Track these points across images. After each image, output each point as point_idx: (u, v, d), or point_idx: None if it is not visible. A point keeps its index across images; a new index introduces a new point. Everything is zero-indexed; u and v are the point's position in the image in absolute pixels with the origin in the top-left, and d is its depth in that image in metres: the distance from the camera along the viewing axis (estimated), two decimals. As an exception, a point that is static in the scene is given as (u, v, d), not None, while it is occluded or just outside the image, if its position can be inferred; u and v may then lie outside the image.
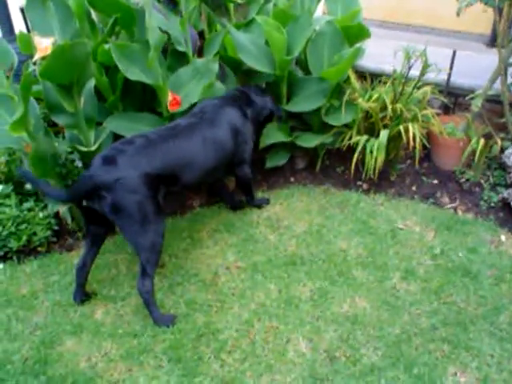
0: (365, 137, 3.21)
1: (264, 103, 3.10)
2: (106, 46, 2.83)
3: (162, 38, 2.80)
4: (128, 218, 2.28)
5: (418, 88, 3.30)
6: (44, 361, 2.24)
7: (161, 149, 2.43)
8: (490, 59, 3.46)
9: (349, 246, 2.89)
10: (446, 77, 3.59)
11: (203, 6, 3.38)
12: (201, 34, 3.42)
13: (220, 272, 2.73)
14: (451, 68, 3.58)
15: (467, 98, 3.44)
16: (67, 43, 2.39)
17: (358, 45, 3.38)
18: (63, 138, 3.13)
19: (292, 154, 3.60)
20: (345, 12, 3.59)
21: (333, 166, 3.68)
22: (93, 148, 2.87)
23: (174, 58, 3.19)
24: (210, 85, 3.00)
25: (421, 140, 3.15)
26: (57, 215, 2.98)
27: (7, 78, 2.62)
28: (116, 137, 2.96)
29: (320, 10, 4.24)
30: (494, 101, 3.51)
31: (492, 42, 4.56)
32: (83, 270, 2.50)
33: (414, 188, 3.43)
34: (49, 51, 2.45)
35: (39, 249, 2.90)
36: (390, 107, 3.15)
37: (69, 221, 3.01)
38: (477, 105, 3.34)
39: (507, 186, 3.25)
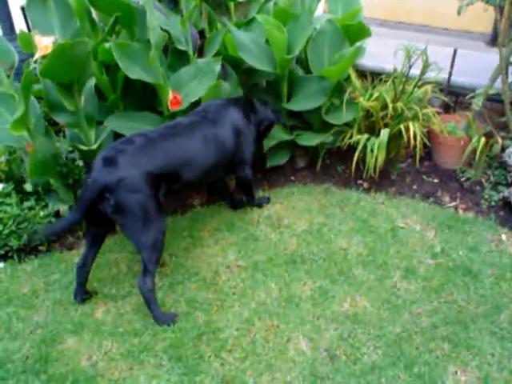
0: (365, 136, 3.21)
1: (266, 114, 3.13)
2: (107, 45, 2.83)
3: (162, 37, 2.80)
4: (130, 217, 2.28)
5: (419, 87, 3.30)
6: (45, 359, 2.25)
7: (161, 147, 2.44)
8: (491, 58, 3.46)
9: (349, 244, 2.89)
10: (446, 76, 3.59)
11: (204, 4, 3.37)
12: (201, 33, 3.42)
13: (221, 271, 2.73)
14: (452, 67, 3.58)
15: (468, 96, 3.43)
16: (68, 42, 2.40)
17: (358, 44, 3.38)
18: (64, 136, 3.14)
19: (292, 153, 3.61)
20: (345, 11, 3.59)
21: (333, 164, 3.68)
22: (93, 147, 2.88)
23: (174, 56, 3.19)
24: (216, 85, 3.01)
25: (421, 139, 3.15)
26: (57, 214, 2.98)
27: (8, 76, 2.63)
28: (116, 135, 2.97)
29: (320, 9, 4.23)
30: (494, 100, 3.51)
31: (493, 40, 4.55)
32: (83, 270, 2.50)
33: (414, 187, 3.43)
34: (49, 50, 2.45)
35: (40, 248, 2.90)
36: (390, 106, 3.15)
37: (69, 220, 3.01)
38: (477, 104, 3.34)
39: (508, 185, 3.25)
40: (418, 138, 3.11)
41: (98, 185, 2.23)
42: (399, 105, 3.15)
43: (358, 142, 3.22)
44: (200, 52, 3.28)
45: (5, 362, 2.24)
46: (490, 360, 2.20)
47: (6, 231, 2.74)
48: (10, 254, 2.83)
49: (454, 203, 3.26)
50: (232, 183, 3.34)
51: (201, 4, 3.32)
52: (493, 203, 3.20)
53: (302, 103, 3.34)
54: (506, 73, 3.22)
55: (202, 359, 2.22)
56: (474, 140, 3.25)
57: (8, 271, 2.77)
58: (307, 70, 3.43)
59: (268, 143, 3.40)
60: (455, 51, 3.55)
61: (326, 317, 2.42)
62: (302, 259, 2.78)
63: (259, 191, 3.41)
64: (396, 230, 3.00)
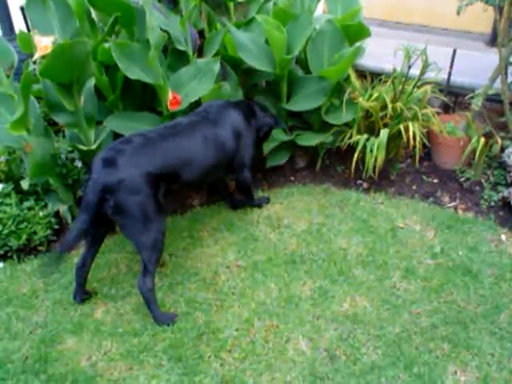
0: (365, 136, 3.21)
1: (265, 119, 3.12)
2: (106, 45, 2.83)
3: (162, 37, 2.80)
4: (130, 217, 2.28)
5: (418, 87, 3.30)
6: (44, 359, 2.25)
7: (160, 147, 2.44)
8: (491, 58, 3.46)
9: (349, 244, 2.89)
10: (446, 76, 3.59)
11: (203, 5, 3.37)
12: (201, 33, 3.42)
13: (220, 271, 2.73)
14: (451, 67, 3.58)
15: (467, 97, 3.44)
16: (67, 42, 2.40)
17: (358, 44, 3.38)
18: (63, 136, 3.14)
19: (292, 154, 3.60)
20: (345, 11, 3.59)
21: (333, 165, 3.68)
22: (93, 147, 2.88)
23: (174, 57, 3.19)
24: (217, 87, 3.01)
25: (421, 139, 3.15)
26: (57, 214, 2.99)
27: (7, 76, 2.62)
28: (116, 136, 2.97)
29: (320, 9, 4.23)
30: (494, 100, 3.51)
31: (492, 40, 4.56)
32: (83, 270, 2.50)
33: (414, 187, 3.43)
34: (49, 50, 2.45)
35: (39, 248, 2.90)
36: (390, 106, 3.15)
37: (69, 220, 3.01)
38: (477, 104, 3.34)
39: (507, 185, 3.25)
40: (418, 138, 3.11)
41: (99, 186, 2.22)
42: (399, 105, 3.15)
43: (357, 142, 3.22)
44: (200, 52, 3.28)
45: (4, 362, 2.24)
46: (489, 360, 2.20)
47: (6, 231, 2.74)
48: (9, 254, 2.83)
49: (453, 203, 3.26)
50: (232, 183, 3.34)
51: (200, 4, 3.32)
52: (492, 203, 3.20)
53: (301, 103, 3.34)
54: (506, 73, 3.22)
55: (202, 359, 2.22)
56: (474, 140, 3.25)
57: (7, 271, 2.77)
58: (307, 70, 3.43)
59: (268, 146, 3.41)
60: (455, 51, 3.55)
61: (325, 317, 2.42)
62: (301, 259, 2.78)
63: (259, 191, 3.41)
64: (396, 230, 3.00)
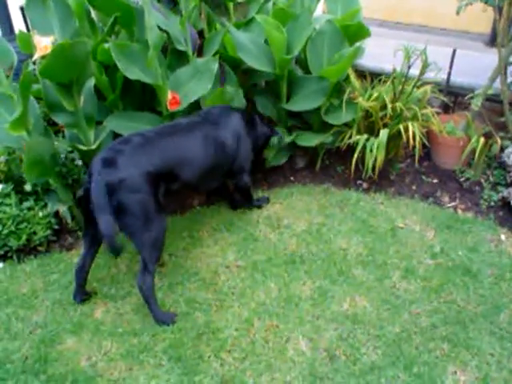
0: (365, 136, 3.21)
1: (263, 129, 3.16)
2: (106, 45, 2.83)
3: (161, 37, 2.80)
4: (131, 216, 2.29)
5: (418, 87, 3.30)
6: (44, 360, 2.25)
7: (159, 146, 2.45)
8: (490, 58, 3.46)
9: (349, 244, 2.89)
10: (445, 76, 3.59)
11: (203, 5, 3.38)
12: (200, 33, 3.42)
13: (220, 271, 2.73)
14: (451, 67, 3.58)
15: (467, 97, 3.44)
16: (67, 42, 2.40)
17: (357, 44, 3.38)
18: (63, 136, 3.14)
19: (292, 154, 3.61)
20: (345, 11, 3.59)
21: (333, 165, 3.69)
22: (93, 147, 2.88)
23: (173, 57, 3.19)
24: (221, 92, 3.02)
25: (421, 139, 3.15)
26: (57, 214, 2.98)
27: (7, 77, 2.62)
28: (116, 136, 2.97)
29: (320, 9, 4.24)
30: (493, 100, 3.51)
31: (492, 41, 4.56)
32: (82, 271, 2.50)
33: (413, 187, 3.43)
34: (48, 50, 2.45)
35: (39, 248, 2.90)
36: (389, 106, 3.15)
37: (69, 220, 3.01)
38: (477, 104, 3.34)
39: (507, 185, 3.25)
40: (418, 138, 3.11)
41: (102, 185, 2.23)
42: (398, 105, 3.16)
43: (357, 142, 3.22)
44: (199, 52, 3.29)
45: (4, 363, 2.24)
46: (489, 360, 2.20)
47: (6, 231, 2.74)
48: (9, 255, 2.83)
49: (453, 203, 3.26)
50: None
51: (200, 4, 3.32)
52: (492, 203, 3.20)
53: (301, 103, 3.34)
54: (505, 73, 3.22)
55: (202, 359, 2.22)
56: (473, 140, 3.25)
57: (7, 271, 2.77)
58: (306, 70, 3.43)
59: (269, 153, 3.42)
60: (454, 51, 3.55)
61: (325, 317, 2.42)
62: (301, 259, 2.78)
63: (259, 191, 3.41)
64: (395, 230, 3.00)
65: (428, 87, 3.31)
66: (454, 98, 3.86)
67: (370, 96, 3.25)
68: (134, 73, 2.81)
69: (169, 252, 2.85)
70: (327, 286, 2.60)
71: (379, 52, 3.84)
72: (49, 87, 2.71)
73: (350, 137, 3.29)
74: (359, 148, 3.20)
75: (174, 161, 2.49)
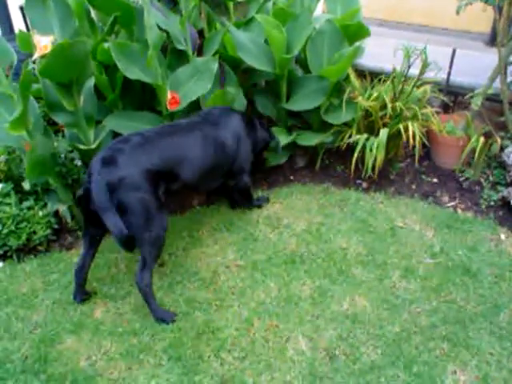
0: (364, 135, 3.21)
1: (263, 133, 3.16)
2: (106, 45, 2.83)
3: (160, 37, 2.79)
4: (132, 214, 2.29)
5: (418, 87, 3.30)
6: (44, 359, 2.25)
7: (158, 145, 2.45)
8: (490, 58, 3.46)
9: (348, 244, 2.89)
10: (445, 75, 3.59)
11: (203, 4, 3.37)
12: (200, 33, 3.42)
13: (220, 270, 2.73)
14: (451, 67, 3.58)
15: (467, 96, 3.44)
16: (67, 42, 2.40)
17: (357, 43, 3.38)
18: (63, 136, 3.13)
19: (292, 153, 3.61)
20: (344, 11, 3.60)
21: (332, 164, 3.69)
22: (92, 146, 2.88)
23: (173, 56, 3.19)
24: (223, 93, 3.02)
25: (420, 138, 3.15)
26: (56, 214, 2.98)
27: (6, 76, 2.62)
28: (115, 135, 2.97)
29: (320, 9, 4.23)
30: (493, 99, 3.51)
31: (492, 40, 4.56)
32: (82, 271, 2.50)
33: (413, 186, 3.43)
34: (48, 50, 2.45)
35: (39, 247, 2.90)
36: (389, 106, 3.15)
37: (68, 219, 3.01)
38: (476, 103, 3.34)
39: (507, 185, 3.25)
40: (417, 138, 3.11)
41: (102, 184, 2.23)
42: (398, 104, 3.16)
43: (357, 142, 3.22)
44: (199, 52, 3.29)
45: (4, 362, 2.24)
46: (489, 359, 2.20)
47: (5, 231, 2.74)
48: (9, 254, 2.83)
49: (452, 203, 3.26)
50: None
51: (200, 4, 3.32)
52: (492, 203, 3.20)
53: (301, 103, 3.34)
54: (505, 73, 3.22)
55: (202, 359, 2.22)
56: (473, 140, 3.25)
57: (7, 271, 2.77)
58: (306, 70, 3.43)
59: (268, 153, 3.42)
60: (454, 51, 3.55)
61: (325, 316, 2.42)
62: (301, 259, 2.79)
63: (258, 191, 3.41)
64: (395, 230, 3.00)
65: (428, 87, 3.32)
66: (453, 97, 3.86)
67: (370, 95, 3.26)
68: (133, 72, 2.81)
69: (169, 252, 2.85)
70: (327, 285, 2.60)
71: (379, 51, 3.84)
72: (49, 87, 2.71)
73: (350, 136, 3.29)
74: (359, 147, 3.20)
75: (173, 160, 2.49)
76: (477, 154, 3.23)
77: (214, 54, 3.13)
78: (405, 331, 2.34)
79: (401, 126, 3.13)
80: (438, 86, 3.48)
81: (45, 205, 2.95)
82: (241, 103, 3.29)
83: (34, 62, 2.72)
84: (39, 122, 2.82)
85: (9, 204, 2.81)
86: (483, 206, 3.19)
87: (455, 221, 3.06)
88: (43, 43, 2.50)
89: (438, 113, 3.51)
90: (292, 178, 3.58)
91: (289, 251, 2.85)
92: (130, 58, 2.82)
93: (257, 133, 3.09)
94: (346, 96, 3.28)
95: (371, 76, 3.55)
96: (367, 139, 3.19)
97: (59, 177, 2.89)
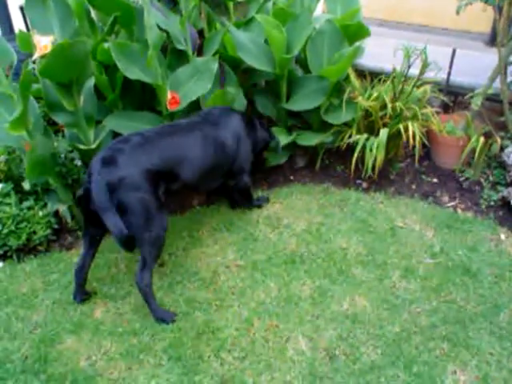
0: (364, 135, 3.21)
1: (263, 134, 3.16)
2: (106, 45, 2.83)
3: (160, 37, 2.79)
4: (132, 214, 2.29)
5: (418, 87, 3.30)
6: (44, 359, 2.25)
7: (158, 145, 2.45)
8: (490, 58, 3.46)
9: (348, 244, 2.89)
10: (445, 75, 3.59)
11: (203, 4, 3.38)
12: (200, 33, 3.42)
13: (220, 271, 2.73)
14: (451, 67, 3.58)
15: (467, 96, 3.44)
16: (67, 42, 2.40)
17: (357, 43, 3.38)
18: (63, 136, 3.14)
19: (292, 153, 3.61)
20: (344, 11, 3.60)
21: (332, 164, 3.69)
22: (93, 146, 2.88)
23: (173, 56, 3.19)
24: (223, 93, 3.02)
25: (420, 138, 3.15)
26: (56, 214, 2.98)
27: (6, 76, 2.62)
28: (115, 135, 2.97)
29: (320, 9, 4.23)
30: (493, 99, 3.51)
31: (492, 40, 4.56)
32: (82, 271, 2.50)
33: (413, 186, 3.43)
34: (48, 50, 2.45)
35: (39, 247, 2.90)
36: (389, 106, 3.15)
37: (68, 219, 3.01)
38: (476, 103, 3.34)
39: (507, 185, 3.25)
40: (417, 138, 3.11)
41: (102, 184, 2.23)
42: (398, 104, 3.16)
43: (357, 142, 3.22)
44: (199, 52, 3.29)
45: (4, 362, 2.24)
46: (489, 359, 2.20)
47: (5, 231, 2.74)
48: (9, 254, 2.83)
49: (452, 203, 3.26)
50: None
51: (200, 4, 3.32)
52: (492, 203, 3.20)
53: (301, 103, 3.34)
54: (505, 73, 3.22)
55: (202, 359, 2.22)
56: (473, 140, 3.25)
57: (7, 271, 2.76)
58: (306, 70, 3.43)
59: (268, 153, 3.43)
60: (454, 51, 3.55)
61: (325, 316, 2.42)
62: (301, 259, 2.78)
63: (258, 191, 3.41)
64: (395, 230, 3.00)
65: (428, 87, 3.32)
66: (453, 97, 3.86)
67: (370, 95, 3.26)
68: (133, 72, 2.81)
69: (169, 252, 2.85)
70: (327, 285, 2.60)
71: (379, 51, 3.84)
72: (49, 87, 2.71)
73: (350, 136, 3.29)
74: (359, 147, 3.20)
75: (173, 160, 2.49)
76: (477, 154, 3.23)
77: (214, 54, 3.13)
78: (405, 331, 2.34)
79: (401, 126, 3.14)
80: (438, 85, 3.48)
81: (45, 205, 2.95)
82: (241, 103, 3.29)
83: (33, 62, 2.72)
84: (39, 121, 2.82)
85: (9, 204, 2.81)
86: (483, 206, 3.19)
87: (455, 221, 3.06)
88: (43, 43, 2.50)
89: (437, 113, 3.51)
90: (292, 177, 3.59)
91: (289, 251, 2.85)
92: (130, 57, 2.82)
93: (257, 133, 3.10)
94: (346, 96, 3.28)
95: (371, 76, 3.55)
96: (367, 139, 3.19)
97: (59, 177, 2.89)
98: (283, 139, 3.33)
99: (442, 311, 2.44)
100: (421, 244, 2.88)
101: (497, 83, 3.27)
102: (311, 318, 2.42)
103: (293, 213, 3.18)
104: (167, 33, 2.97)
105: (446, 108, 3.90)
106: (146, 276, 2.35)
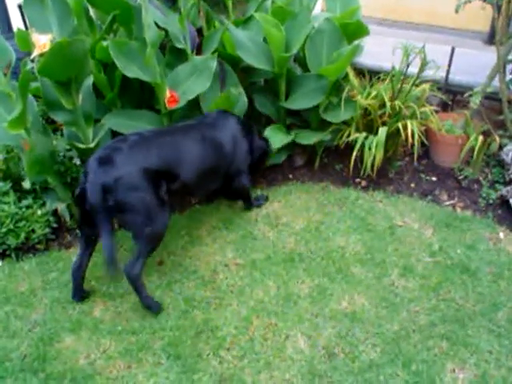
0: (363, 134, 3.21)
1: (259, 141, 3.16)
2: (104, 43, 2.83)
3: (159, 35, 2.79)
4: (131, 213, 2.30)
5: (417, 85, 3.30)
6: (43, 358, 2.25)
7: (156, 144, 2.46)
8: (489, 56, 3.46)
9: (347, 242, 2.89)
10: (444, 74, 3.59)
11: (202, 3, 3.38)
12: (199, 31, 3.42)
13: (219, 269, 2.73)
14: (450, 65, 3.58)
15: (466, 95, 3.43)
16: (65, 40, 2.39)
17: (356, 42, 3.37)
18: (61, 135, 3.13)
19: (291, 152, 3.60)
20: (343, 9, 3.59)
21: (331, 163, 3.68)
22: (91, 145, 2.87)
23: (172, 55, 3.19)
24: (227, 96, 3.02)
25: (419, 137, 3.15)
26: (55, 212, 2.98)
27: (5, 75, 2.62)
28: (114, 134, 2.97)
29: (319, 7, 4.23)
30: (492, 98, 3.51)
31: (490, 39, 4.55)
32: (79, 270, 2.50)
33: (412, 185, 3.43)
34: (47, 48, 2.44)
35: (38, 246, 2.90)
36: (388, 104, 3.15)
37: (67, 218, 3.01)
38: (475, 102, 3.34)
39: (506, 183, 3.25)
40: (416, 137, 3.11)
41: (97, 186, 2.22)
42: (397, 103, 3.15)
43: (356, 141, 3.22)
44: (198, 50, 3.28)
45: (3, 361, 2.24)
46: (487, 357, 2.20)
47: (4, 230, 2.74)
48: (7, 253, 2.83)
49: (451, 201, 3.26)
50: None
51: (199, 2, 3.32)
52: (490, 201, 3.20)
53: (300, 101, 3.34)
54: (504, 71, 3.23)
55: (201, 357, 2.22)
56: (472, 138, 3.25)
57: (6, 270, 2.76)
58: (305, 69, 3.42)
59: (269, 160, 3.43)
60: (453, 50, 3.55)
61: (324, 315, 2.43)
62: (300, 257, 2.79)
63: (257, 190, 3.41)
64: (394, 229, 3.00)
65: (427, 85, 3.31)
66: (452, 96, 3.86)
67: (369, 94, 3.25)
68: (132, 71, 2.81)
69: (167, 250, 2.85)
70: (326, 284, 2.61)
71: (378, 50, 3.84)
72: (47, 85, 2.70)
73: (349, 135, 3.29)
74: (358, 146, 3.20)
75: (171, 160, 2.49)
76: (476, 153, 3.23)
77: (212, 53, 3.13)
78: (403, 330, 2.34)
79: (400, 125, 3.13)
80: (436, 84, 3.48)
81: (43, 203, 2.95)
82: (242, 102, 3.27)
83: (32, 61, 2.71)
84: (38, 120, 2.82)
85: (7, 203, 2.81)
86: (482, 205, 3.19)
87: (454, 219, 3.06)
88: (42, 42, 2.50)
89: (436, 111, 3.51)
90: (291, 176, 3.58)
91: (288, 250, 2.85)
92: (128, 56, 2.81)
93: (253, 136, 3.09)
94: (344, 94, 3.27)
95: (370, 74, 3.55)
96: (366, 138, 3.19)
97: (58, 175, 2.89)
98: (282, 138, 3.33)
99: (441, 310, 2.44)
100: (420, 242, 2.89)
101: (496, 82, 3.27)
102: (310, 316, 2.42)
103: (292, 211, 3.18)
104: (166, 31, 2.97)
105: (444, 106, 3.90)
106: (137, 266, 2.36)
